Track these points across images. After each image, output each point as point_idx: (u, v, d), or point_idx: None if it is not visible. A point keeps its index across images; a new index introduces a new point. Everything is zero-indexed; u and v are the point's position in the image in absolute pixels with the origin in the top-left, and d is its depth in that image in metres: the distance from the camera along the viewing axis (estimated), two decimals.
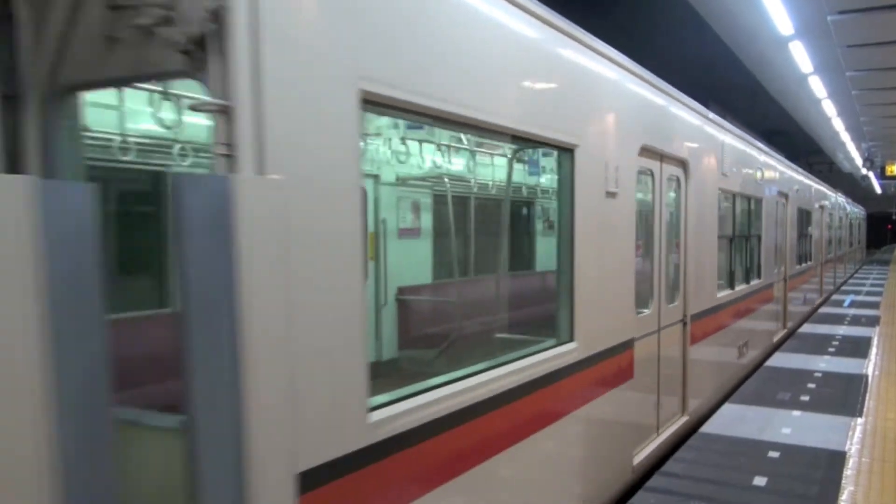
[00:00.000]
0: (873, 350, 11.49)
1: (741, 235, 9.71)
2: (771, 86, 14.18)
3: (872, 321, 14.92)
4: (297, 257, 2.41)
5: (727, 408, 7.92)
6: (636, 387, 5.86)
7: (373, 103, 2.85)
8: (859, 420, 7.39)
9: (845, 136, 20.60)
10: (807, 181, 16.22)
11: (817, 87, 13.40)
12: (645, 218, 6.10)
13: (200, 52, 2.24)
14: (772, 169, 11.62)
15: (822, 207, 18.55)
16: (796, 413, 7.67)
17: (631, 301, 5.72)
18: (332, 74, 2.60)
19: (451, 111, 3.31)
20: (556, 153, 4.73)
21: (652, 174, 6.28)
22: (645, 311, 6.18)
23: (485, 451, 3.64)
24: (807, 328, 14.01)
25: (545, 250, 7.02)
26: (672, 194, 6.86)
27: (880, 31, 8.97)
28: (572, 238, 4.67)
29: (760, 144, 11.18)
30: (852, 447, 6.52)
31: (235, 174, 2.21)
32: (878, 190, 40.56)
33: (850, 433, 6.95)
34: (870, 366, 10.22)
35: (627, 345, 5.65)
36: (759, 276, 10.67)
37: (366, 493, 2.76)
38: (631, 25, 12.23)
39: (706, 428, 7.15)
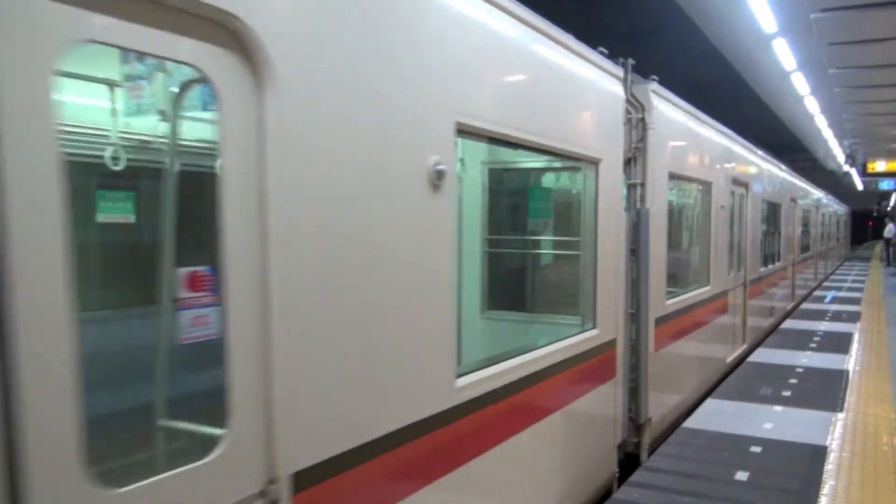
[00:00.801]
0: (854, 346, 11.61)
1: (769, 231, 13.70)
2: (755, 83, 14.25)
3: (853, 317, 15.07)
4: (658, 239, 6.77)
5: (710, 403, 7.98)
6: (727, 319, 10.12)
7: (674, 176, 7.21)
8: (840, 415, 7.47)
9: (827, 133, 20.73)
10: (808, 187, 20.61)
11: (800, 84, 13.49)
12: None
13: (626, 160, 6.25)
14: (787, 181, 16.21)
15: (817, 208, 22.91)
16: (778, 408, 7.74)
17: (726, 266, 9.78)
18: (664, 165, 6.84)
19: (692, 176, 8.14)
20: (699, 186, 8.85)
21: (732, 192, 10.13)
22: (730, 274, 10.13)
23: (693, 328, 8.29)
24: (789, 324, 14.14)
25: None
26: (737, 205, 10.63)
27: (862, 29, 9.02)
28: (709, 231, 8.92)
29: (781, 164, 15.53)
30: (833, 442, 6.59)
31: (648, 208, 6.44)
32: (860, 187, 40.92)
33: (832, 428, 7.02)
34: (850, 361, 10.32)
35: (725, 293, 9.86)
36: (779, 260, 14.89)
37: (669, 330, 7.19)
38: (615, 22, 12.26)
39: (689, 423, 7.20)
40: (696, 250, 8.97)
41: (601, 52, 5.63)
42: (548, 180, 6.32)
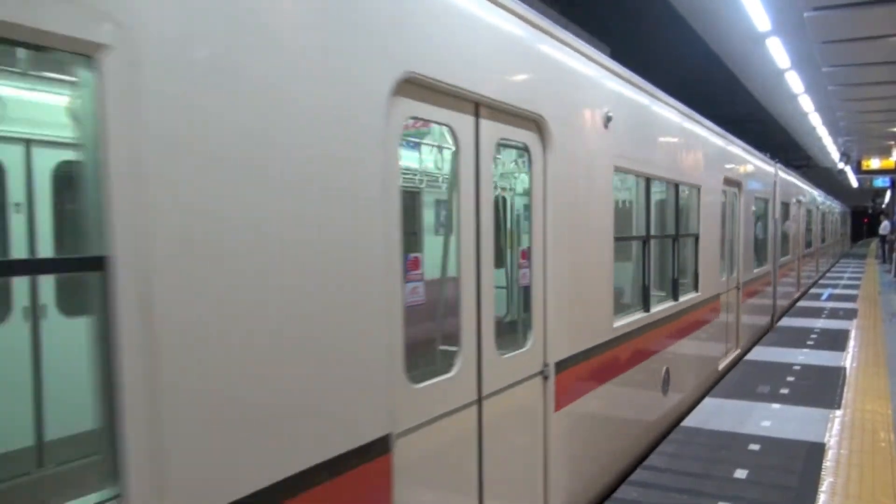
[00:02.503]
0: (851, 343, 11.63)
1: (807, 228, 21.51)
2: (748, 81, 14.27)
3: (850, 314, 15.10)
4: (778, 233, 14.99)
5: (708, 401, 7.98)
6: (793, 276, 17.79)
7: (783, 203, 15.56)
8: (838, 412, 7.48)
9: (822, 132, 20.78)
10: (824, 198, 28.76)
11: (794, 82, 13.52)
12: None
13: None
14: (814, 195, 23.92)
15: (830, 211, 31.61)
16: (776, 406, 7.75)
17: (792, 247, 17.52)
18: (779, 198, 14.66)
19: (785, 202, 16.09)
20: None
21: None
22: (793, 252, 17.75)
23: (784, 275, 15.93)
24: (786, 321, 14.17)
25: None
26: (795, 213, 17.87)
27: (855, 27, 9.03)
28: (786, 229, 16.59)
29: (813, 185, 24.02)
30: (831, 439, 6.60)
31: (777, 219, 14.52)
32: (855, 184, 41.02)
33: (829, 425, 7.03)
34: (847, 358, 10.34)
35: (793, 261, 17.57)
36: (810, 246, 22.60)
37: (780, 272, 15.18)
38: (610, 22, 12.27)
39: (687, 421, 7.21)
40: (782, 240, 16.05)
41: (769, 156, 13.30)
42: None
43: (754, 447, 6.37)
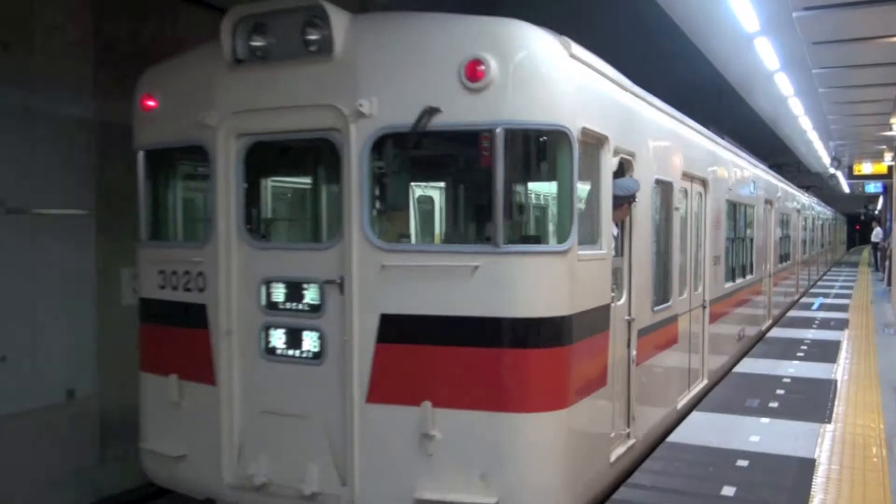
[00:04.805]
0: (842, 354, 11.51)
1: (822, 234, 30.77)
2: (737, 83, 14.15)
3: (841, 324, 15.01)
4: (808, 237, 25.46)
5: (696, 416, 7.85)
6: (814, 265, 27.44)
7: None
8: (829, 426, 7.36)
9: (812, 135, 20.75)
10: (828, 211, 35.61)
11: (784, 84, 13.40)
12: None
13: None
14: (821, 213, 30.30)
15: (832, 219, 38.40)
16: (765, 420, 7.62)
17: (812, 246, 26.27)
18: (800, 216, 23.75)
19: (809, 216, 26.55)
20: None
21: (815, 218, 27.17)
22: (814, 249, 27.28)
23: (811, 264, 25.92)
24: (776, 332, 14.05)
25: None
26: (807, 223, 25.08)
27: (845, 28, 8.92)
28: (813, 236, 26.79)
29: (821, 203, 32.83)
30: (822, 454, 6.49)
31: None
32: (847, 190, 41.16)
33: (820, 440, 6.91)
34: (839, 370, 10.23)
35: (814, 256, 26.92)
36: (823, 247, 30.99)
37: (810, 261, 25.55)
38: (596, 22, 12.12)
39: (674, 437, 7.06)
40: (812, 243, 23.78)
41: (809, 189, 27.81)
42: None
43: (742, 463, 6.24)
